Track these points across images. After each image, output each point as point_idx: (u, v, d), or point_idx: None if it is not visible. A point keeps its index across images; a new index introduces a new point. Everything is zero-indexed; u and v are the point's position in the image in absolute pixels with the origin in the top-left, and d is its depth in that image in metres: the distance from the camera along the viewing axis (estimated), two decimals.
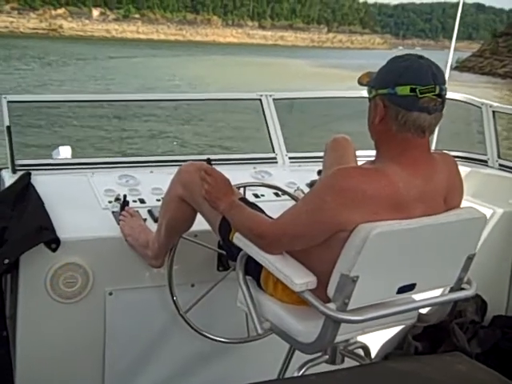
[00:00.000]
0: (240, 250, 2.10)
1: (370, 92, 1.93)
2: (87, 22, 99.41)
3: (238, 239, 2.06)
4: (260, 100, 3.38)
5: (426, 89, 1.81)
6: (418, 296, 2.04)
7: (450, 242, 1.96)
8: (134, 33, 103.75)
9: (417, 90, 1.80)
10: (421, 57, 1.89)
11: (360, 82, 2.02)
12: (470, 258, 2.03)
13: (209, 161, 2.45)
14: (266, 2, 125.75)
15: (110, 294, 2.56)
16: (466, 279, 2.06)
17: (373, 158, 1.98)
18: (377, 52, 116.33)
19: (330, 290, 1.85)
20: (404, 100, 1.82)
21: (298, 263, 1.96)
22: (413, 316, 2.16)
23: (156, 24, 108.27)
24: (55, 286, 2.46)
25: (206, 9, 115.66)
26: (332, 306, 1.83)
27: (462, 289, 2.07)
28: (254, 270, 2.12)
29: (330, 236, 1.85)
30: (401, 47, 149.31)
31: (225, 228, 2.21)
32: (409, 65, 1.85)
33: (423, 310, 2.18)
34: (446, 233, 1.92)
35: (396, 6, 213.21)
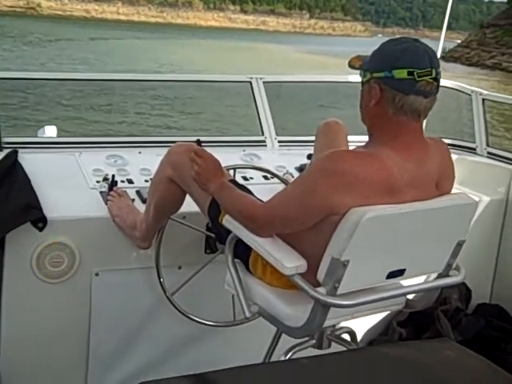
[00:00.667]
0: (229, 232, 2.08)
1: (363, 75, 1.92)
2: (66, 1, 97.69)
3: (227, 221, 2.04)
4: (250, 83, 3.37)
5: (423, 72, 1.80)
6: (406, 281, 2.04)
7: (441, 227, 1.96)
8: (114, 14, 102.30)
9: (414, 74, 1.80)
10: (417, 40, 1.89)
11: (352, 65, 1.99)
12: (459, 244, 2.03)
13: (199, 142, 2.43)
14: None
15: (97, 274, 2.54)
16: (454, 265, 2.06)
17: (364, 143, 1.96)
18: (359, 39, 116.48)
19: (320, 274, 1.84)
20: (401, 83, 1.82)
21: (289, 247, 1.94)
22: (401, 302, 2.15)
23: (137, 5, 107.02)
24: (41, 266, 2.44)
25: None
26: (322, 290, 1.82)
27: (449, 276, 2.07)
28: (242, 252, 2.10)
29: (321, 219, 1.84)
30: (380, 35, 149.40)
31: (214, 210, 2.19)
32: (406, 48, 1.84)
33: (410, 296, 2.19)
34: (437, 218, 1.93)
35: None
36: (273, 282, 2.05)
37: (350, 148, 2.25)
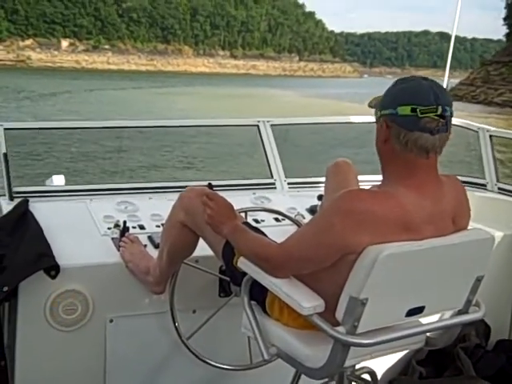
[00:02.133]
0: (244, 274, 2.09)
1: (376, 114, 1.97)
2: (56, 53, 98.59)
3: (242, 263, 2.05)
4: (257, 126, 3.41)
5: (426, 109, 1.83)
6: (426, 319, 2.03)
7: (459, 263, 1.96)
8: (104, 63, 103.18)
9: (417, 110, 1.83)
10: (424, 78, 1.93)
11: (369, 105, 2.06)
12: (478, 280, 2.02)
13: (210, 186, 2.45)
14: (237, 32, 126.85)
15: (111, 321, 2.54)
16: (474, 301, 2.06)
17: (376, 183, 2.00)
18: (348, 80, 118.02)
19: (339, 313, 1.84)
20: (405, 120, 1.86)
21: (305, 286, 1.94)
22: (421, 340, 2.14)
23: (127, 54, 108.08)
24: (55, 314, 2.44)
25: (177, 39, 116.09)
26: (341, 329, 1.82)
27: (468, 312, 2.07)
28: (258, 294, 2.11)
29: (337, 259, 1.85)
30: (366, 75, 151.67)
31: (228, 253, 2.20)
32: (410, 86, 1.90)
33: (431, 334, 2.17)
34: (455, 254, 1.92)
35: (362, 35, 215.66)
36: (290, 323, 2.05)
37: (364, 187, 2.26)
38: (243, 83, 69.82)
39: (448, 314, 2.12)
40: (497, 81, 47.32)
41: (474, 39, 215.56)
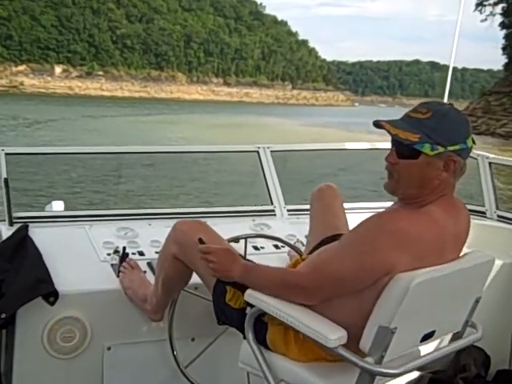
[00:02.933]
0: (237, 312, 2.11)
1: (431, 149, 1.85)
2: (49, 78, 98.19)
3: (250, 296, 2.01)
4: (258, 152, 3.43)
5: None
6: (434, 343, 2.07)
7: (466, 285, 1.99)
8: (97, 90, 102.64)
9: (473, 139, 1.92)
10: (451, 104, 1.97)
11: (411, 141, 1.86)
12: (477, 301, 2.08)
13: (201, 241, 2.25)
14: (231, 59, 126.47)
15: (109, 348, 2.54)
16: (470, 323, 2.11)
17: (364, 210, 2.11)
18: (342, 109, 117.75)
19: (365, 343, 1.81)
20: (468, 151, 1.92)
21: (323, 317, 1.90)
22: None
23: (120, 81, 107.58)
24: (52, 341, 2.44)
25: (171, 65, 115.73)
26: (370, 360, 1.79)
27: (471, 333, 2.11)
28: (258, 329, 2.07)
29: (376, 280, 1.81)
30: (357, 104, 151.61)
31: (220, 289, 2.19)
32: (457, 115, 1.91)
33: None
34: (465, 277, 1.95)
35: (354, 64, 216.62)
36: (300, 358, 2.00)
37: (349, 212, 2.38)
38: (238, 111, 69.38)
39: (448, 336, 2.12)
40: (498, 111, 46.46)
41: (465, 69, 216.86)
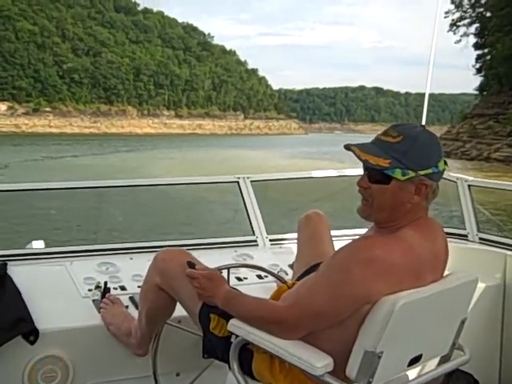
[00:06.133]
0: (226, 340, 2.06)
1: (402, 174, 1.86)
2: None
3: (233, 326, 1.99)
4: (238, 183, 3.46)
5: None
6: (421, 367, 2.09)
7: (450, 307, 1.98)
8: (45, 127, 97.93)
9: (446, 162, 1.93)
10: (423, 126, 1.94)
11: (381, 166, 1.87)
12: (462, 322, 2.07)
13: (190, 264, 2.24)
14: (182, 90, 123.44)
15: None
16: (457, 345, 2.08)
17: (353, 237, 2.17)
18: (296, 137, 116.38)
19: (352, 370, 1.80)
20: (440, 174, 1.91)
21: (309, 345, 1.88)
22: None
23: (69, 117, 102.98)
24: (33, 382, 2.38)
25: (121, 99, 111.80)
26: None
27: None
28: (244, 358, 2.04)
29: (354, 310, 1.79)
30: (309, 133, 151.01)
31: (204, 318, 2.16)
32: (429, 138, 1.90)
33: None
34: (448, 298, 1.94)
35: (301, 91, 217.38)
36: None
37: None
38: (194, 144, 67.48)
39: (436, 360, 2.10)
40: (486, 135, 44.31)
41: (408, 93, 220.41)
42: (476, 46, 53.77)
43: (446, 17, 53.08)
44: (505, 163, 38.01)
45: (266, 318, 1.90)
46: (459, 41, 54.64)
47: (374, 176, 1.87)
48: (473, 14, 53.34)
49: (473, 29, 54.23)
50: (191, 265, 2.19)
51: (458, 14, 54.31)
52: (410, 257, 1.80)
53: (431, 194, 1.88)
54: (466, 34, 53.86)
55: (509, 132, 41.18)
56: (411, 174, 1.83)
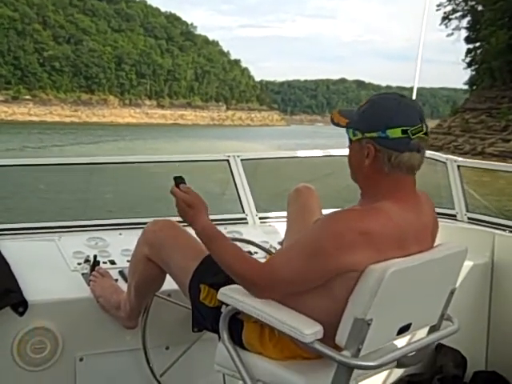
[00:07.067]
0: (215, 310, 2.05)
1: (352, 134, 1.90)
2: None
3: (224, 295, 1.98)
4: (228, 161, 3.47)
5: (416, 129, 1.82)
6: (410, 336, 2.10)
7: (439, 277, 1.99)
8: (25, 115, 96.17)
9: (408, 132, 1.81)
10: (403, 96, 1.89)
11: (336, 123, 1.95)
12: (452, 293, 2.06)
13: (177, 181, 2.17)
14: (164, 80, 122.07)
15: (81, 359, 2.49)
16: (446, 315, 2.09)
17: (355, 204, 1.97)
18: (278, 128, 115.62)
19: (341, 337, 1.80)
20: (396, 142, 1.83)
21: (298, 313, 1.88)
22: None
23: (49, 105, 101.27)
24: (22, 353, 2.38)
25: (102, 88, 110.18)
26: (347, 353, 1.77)
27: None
28: (234, 328, 2.03)
29: (332, 280, 1.80)
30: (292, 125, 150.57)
31: (194, 288, 2.15)
32: (396, 105, 1.84)
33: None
34: (438, 268, 1.94)
35: (282, 83, 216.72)
36: (276, 356, 1.97)
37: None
38: (176, 134, 66.23)
39: (425, 330, 2.09)
40: (479, 129, 43.92)
41: (389, 87, 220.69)
42: (468, 40, 53.44)
43: (437, 9, 52.78)
44: (500, 158, 37.14)
45: (240, 274, 1.91)
46: (451, 34, 54.34)
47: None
48: (465, 8, 53.01)
49: (465, 22, 53.96)
50: (178, 182, 2.13)
51: (449, 7, 54.02)
52: (389, 226, 1.79)
53: (386, 161, 1.82)
54: (457, 28, 53.56)
55: (503, 127, 40.87)
56: (359, 135, 1.87)
